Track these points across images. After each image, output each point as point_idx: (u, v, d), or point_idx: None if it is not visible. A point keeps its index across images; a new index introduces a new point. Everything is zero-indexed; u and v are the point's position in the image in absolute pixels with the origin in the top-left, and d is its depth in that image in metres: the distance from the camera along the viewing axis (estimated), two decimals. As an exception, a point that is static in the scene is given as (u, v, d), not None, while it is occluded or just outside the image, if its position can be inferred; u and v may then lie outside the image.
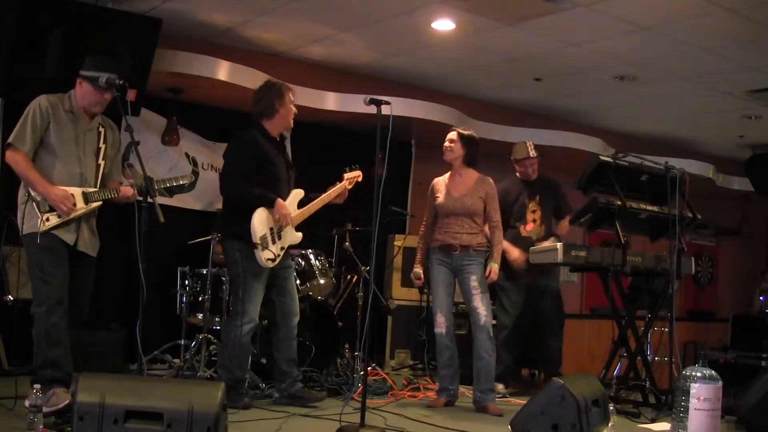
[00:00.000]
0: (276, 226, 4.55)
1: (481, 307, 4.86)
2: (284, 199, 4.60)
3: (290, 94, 4.68)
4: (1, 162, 4.76)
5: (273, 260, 4.52)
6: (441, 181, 5.15)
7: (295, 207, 4.71)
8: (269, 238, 4.50)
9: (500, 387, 5.59)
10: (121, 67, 4.08)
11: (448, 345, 4.95)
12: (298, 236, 4.75)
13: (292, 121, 4.73)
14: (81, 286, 4.00)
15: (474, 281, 4.89)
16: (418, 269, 5.17)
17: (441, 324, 4.95)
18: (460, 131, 5.12)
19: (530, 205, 5.79)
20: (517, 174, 5.88)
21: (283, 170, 4.67)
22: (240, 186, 4.48)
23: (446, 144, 5.08)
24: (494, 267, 4.96)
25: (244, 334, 4.46)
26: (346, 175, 4.96)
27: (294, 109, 4.72)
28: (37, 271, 3.82)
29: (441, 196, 5.07)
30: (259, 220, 4.45)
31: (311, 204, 4.82)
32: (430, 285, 5.11)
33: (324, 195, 4.88)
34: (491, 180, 5.11)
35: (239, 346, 4.48)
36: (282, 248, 4.61)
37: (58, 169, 3.88)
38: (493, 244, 5.05)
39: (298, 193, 4.75)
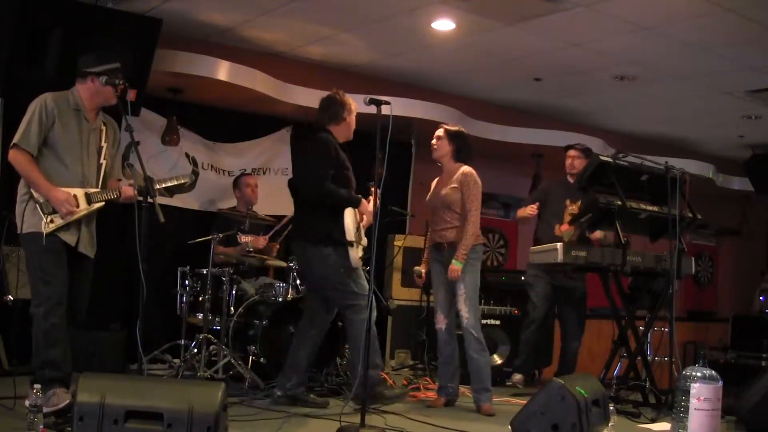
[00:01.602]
0: (358, 226, 4.65)
1: (464, 308, 4.81)
2: None
3: (354, 107, 4.74)
4: (1, 162, 4.76)
5: (362, 258, 4.61)
6: (435, 181, 5.18)
7: None
8: (358, 237, 4.60)
9: (517, 377, 5.57)
10: (123, 57, 4.08)
11: (448, 341, 4.95)
12: (364, 237, 4.82)
13: (352, 134, 4.77)
14: (80, 287, 4.00)
15: (459, 281, 4.83)
16: (419, 267, 5.17)
17: (440, 320, 4.96)
18: (446, 127, 5.07)
19: (571, 207, 5.80)
20: (566, 168, 5.94)
21: (352, 174, 4.72)
22: (330, 187, 4.49)
23: (432, 142, 5.05)
24: (453, 265, 4.75)
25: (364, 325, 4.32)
26: (373, 189, 4.87)
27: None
28: (37, 271, 3.81)
29: (429, 194, 5.12)
30: (351, 219, 4.55)
31: None
32: (431, 283, 5.13)
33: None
34: (472, 170, 4.93)
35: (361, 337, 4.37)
36: (363, 247, 4.71)
37: (61, 170, 3.87)
38: (463, 235, 4.82)
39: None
